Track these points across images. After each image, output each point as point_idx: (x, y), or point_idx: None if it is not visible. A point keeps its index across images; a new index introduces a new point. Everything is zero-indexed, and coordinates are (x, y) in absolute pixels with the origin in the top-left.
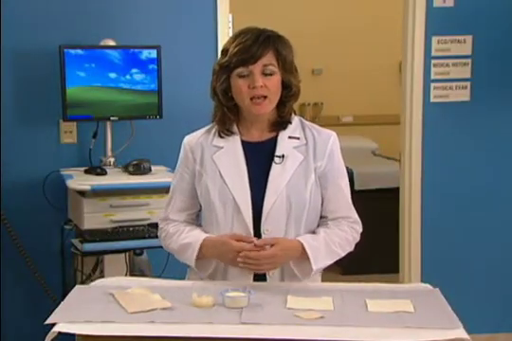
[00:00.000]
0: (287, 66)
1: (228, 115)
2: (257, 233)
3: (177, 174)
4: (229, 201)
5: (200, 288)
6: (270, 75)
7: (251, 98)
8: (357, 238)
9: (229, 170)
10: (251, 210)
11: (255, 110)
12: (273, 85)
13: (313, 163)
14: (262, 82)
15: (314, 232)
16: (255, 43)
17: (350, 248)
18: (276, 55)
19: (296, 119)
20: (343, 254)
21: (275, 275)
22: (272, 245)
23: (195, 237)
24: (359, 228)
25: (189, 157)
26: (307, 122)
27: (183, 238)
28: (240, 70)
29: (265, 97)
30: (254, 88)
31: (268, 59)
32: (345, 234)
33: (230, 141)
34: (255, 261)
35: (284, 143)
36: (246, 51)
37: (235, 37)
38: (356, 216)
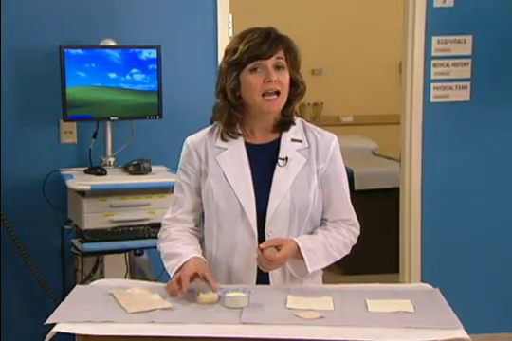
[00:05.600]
0: (295, 64)
1: (235, 114)
2: (261, 235)
3: (181, 173)
4: (234, 203)
5: (201, 287)
6: (283, 68)
7: (263, 94)
8: (355, 241)
9: (233, 172)
10: (255, 213)
11: (266, 107)
12: (285, 81)
13: (315, 165)
14: (276, 77)
15: (312, 233)
16: (266, 40)
17: (346, 251)
18: (286, 52)
19: (298, 121)
20: (339, 257)
21: (277, 277)
22: (278, 247)
23: (189, 250)
24: (357, 231)
25: (193, 155)
26: (309, 124)
27: (178, 247)
28: (253, 65)
29: (278, 93)
30: (269, 82)
31: (281, 55)
32: (343, 238)
33: (234, 143)
34: (267, 262)
35: (287, 146)
36: (257, 48)
37: (242, 36)
38: (355, 219)
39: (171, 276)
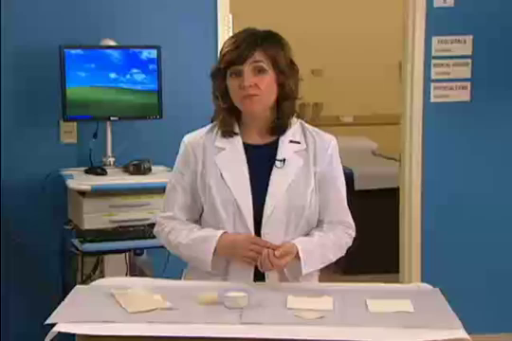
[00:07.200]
0: (280, 66)
1: (230, 117)
2: (258, 236)
3: (176, 173)
4: (231, 203)
5: (201, 287)
6: (263, 72)
7: (243, 97)
8: (350, 243)
9: (231, 173)
10: (252, 213)
11: (245, 107)
12: (264, 84)
13: (313, 168)
14: (252, 82)
15: (308, 234)
16: (241, 44)
17: (341, 253)
18: (265, 54)
19: (297, 123)
20: (334, 259)
21: (273, 275)
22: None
23: (211, 232)
24: (353, 233)
25: (190, 157)
26: (308, 126)
27: (195, 232)
28: (231, 70)
29: (256, 95)
30: (244, 87)
31: (259, 58)
32: (339, 239)
33: (232, 143)
34: (270, 266)
35: (285, 147)
36: (231, 53)
37: (226, 41)
38: (351, 221)
39: (209, 259)
